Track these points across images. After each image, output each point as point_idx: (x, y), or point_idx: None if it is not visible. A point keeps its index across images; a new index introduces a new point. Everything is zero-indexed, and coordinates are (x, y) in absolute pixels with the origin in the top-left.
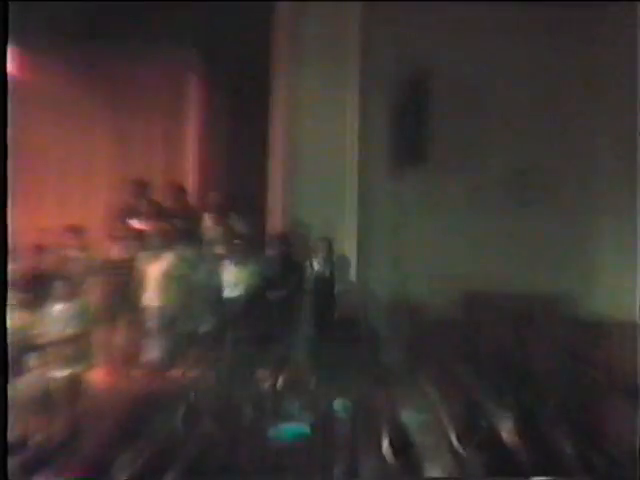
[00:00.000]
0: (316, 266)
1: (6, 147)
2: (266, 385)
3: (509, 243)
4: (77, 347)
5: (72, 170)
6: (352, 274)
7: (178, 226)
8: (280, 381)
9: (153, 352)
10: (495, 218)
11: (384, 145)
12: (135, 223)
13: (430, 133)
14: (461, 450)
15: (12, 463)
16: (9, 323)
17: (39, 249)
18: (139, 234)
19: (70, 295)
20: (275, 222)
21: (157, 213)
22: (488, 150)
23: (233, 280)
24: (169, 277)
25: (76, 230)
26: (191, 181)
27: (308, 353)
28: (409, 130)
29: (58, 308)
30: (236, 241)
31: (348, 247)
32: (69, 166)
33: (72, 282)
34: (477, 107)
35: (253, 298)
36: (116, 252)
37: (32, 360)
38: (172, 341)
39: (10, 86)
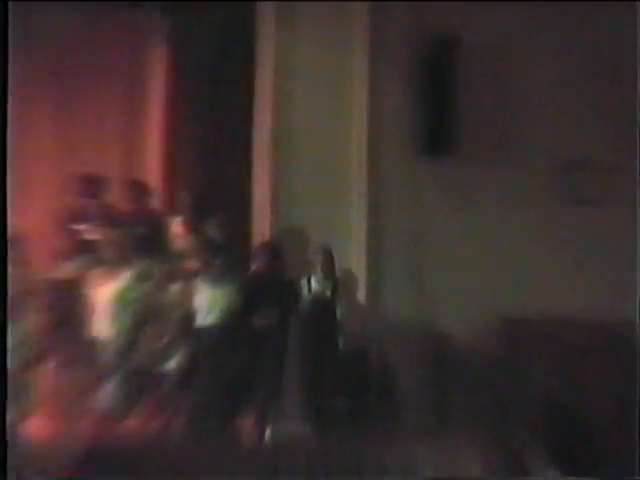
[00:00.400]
0: (314, 285)
1: (6, 147)
2: (250, 441)
3: (557, 254)
4: (10, 388)
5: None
6: (360, 295)
7: (138, 235)
8: (268, 436)
9: (105, 396)
10: (538, 223)
11: (400, 132)
12: (84, 232)
13: (457, 117)
14: None
15: None
16: None
17: None
18: (89, 245)
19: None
20: (261, 229)
21: (111, 218)
22: (529, 139)
23: (208, 303)
24: (126, 300)
25: (11, 242)
26: (155, 178)
27: (304, 398)
28: (431, 113)
29: None
30: (212, 253)
31: (355, 260)
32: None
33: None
34: (516, 86)
35: (233, 326)
36: (60, 268)
37: None
38: (129, 382)
39: None
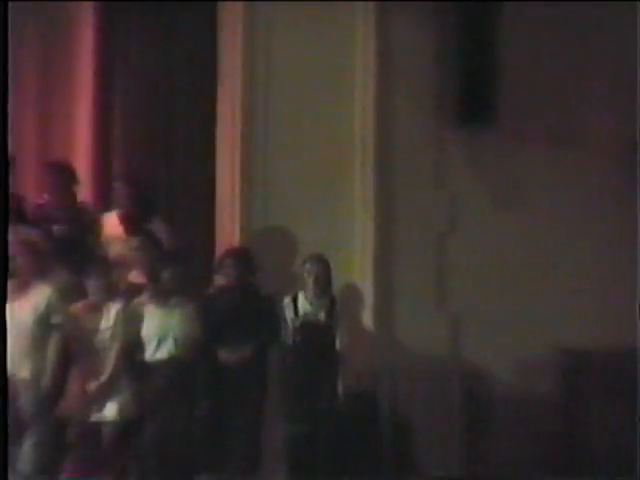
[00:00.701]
0: (302, 304)
1: (6, 146)
2: None
3: (623, 262)
4: None
5: None
6: (366, 318)
7: (60, 236)
8: None
9: (23, 456)
10: (600, 221)
11: (423, 98)
12: None
13: (500, 81)
14: None
15: None
16: None
17: None
18: None
19: None
20: (228, 231)
21: (22, 214)
22: (590, 111)
23: (158, 330)
24: (46, 325)
25: None
26: (85, 163)
27: (291, 459)
28: (465, 75)
29: None
30: (161, 263)
31: (359, 272)
32: None
33: None
34: (571, 44)
35: (194, 362)
36: None
37: None
38: (54, 436)
39: None
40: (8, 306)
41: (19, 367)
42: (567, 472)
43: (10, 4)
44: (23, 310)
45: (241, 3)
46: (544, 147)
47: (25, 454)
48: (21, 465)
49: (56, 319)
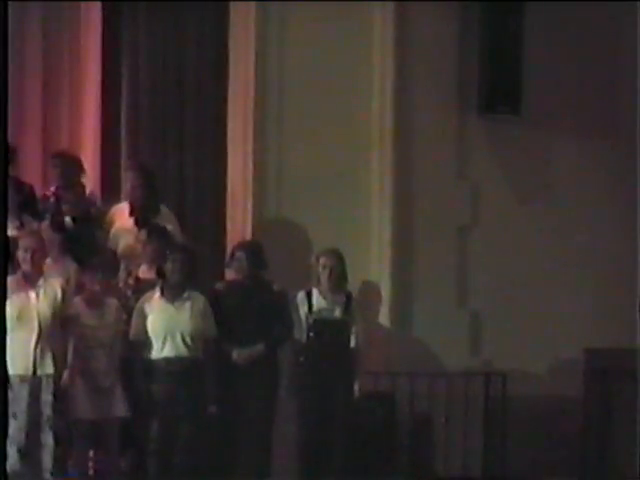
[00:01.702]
0: (317, 301)
1: (6, 147)
2: None
3: None
4: None
5: None
6: (384, 315)
7: (62, 227)
8: None
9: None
10: (630, 211)
11: (444, 87)
12: None
13: (523, 70)
14: None
15: None
16: None
17: None
18: None
19: None
20: (239, 223)
21: (31, 206)
22: (615, 101)
23: (165, 327)
24: (59, 320)
25: None
26: (93, 154)
27: (304, 462)
28: (488, 64)
29: None
30: (169, 256)
31: (377, 268)
32: None
33: None
34: (599, 32)
35: (202, 360)
36: None
37: None
38: (54, 437)
39: None
40: (18, 300)
41: (39, 363)
42: (590, 474)
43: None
44: (19, 306)
45: (253, 2)
46: (568, 137)
47: (44, 452)
48: (40, 463)
49: (54, 315)
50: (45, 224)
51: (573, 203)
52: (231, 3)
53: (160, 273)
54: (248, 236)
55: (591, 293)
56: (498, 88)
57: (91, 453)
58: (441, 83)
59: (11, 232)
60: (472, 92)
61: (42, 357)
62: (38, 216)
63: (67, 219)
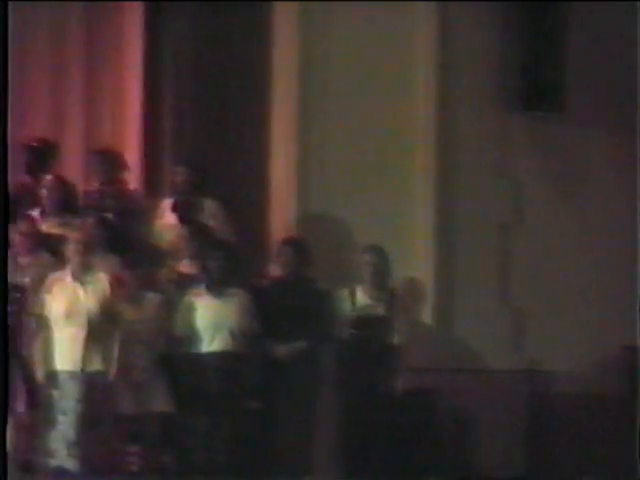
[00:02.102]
0: (360, 298)
1: (6, 147)
2: None
3: None
4: None
5: None
6: (427, 313)
7: (108, 225)
8: None
9: (62, 451)
10: None
11: (486, 85)
12: (28, 220)
13: (565, 68)
14: None
15: None
16: None
17: None
18: (38, 239)
19: None
20: (283, 221)
21: (68, 202)
22: None
23: (211, 323)
24: (106, 316)
25: None
26: (136, 149)
27: (344, 456)
28: (530, 62)
29: None
30: (214, 253)
31: (420, 265)
32: None
33: None
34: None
35: (246, 355)
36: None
37: None
38: (97, 431)
39: None
40: (67, 296)
41: (88, 359)
42: (632, 472)
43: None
44: (66, 301)
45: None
46: (608, 134)
47: (64, 450)
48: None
49: (101, 309)
50: (88, 220)
51: (614, 200)
52: (275, 3)
53: (204, 269)
54: (292, 233)
55: (632, 291)
56: (539, 87)
57: (133, 449)
58: (483, 82)
59: (54, 229)
60: (514, 91)
61: (91, 353)
62: (80, 213)
63: (110, 215)
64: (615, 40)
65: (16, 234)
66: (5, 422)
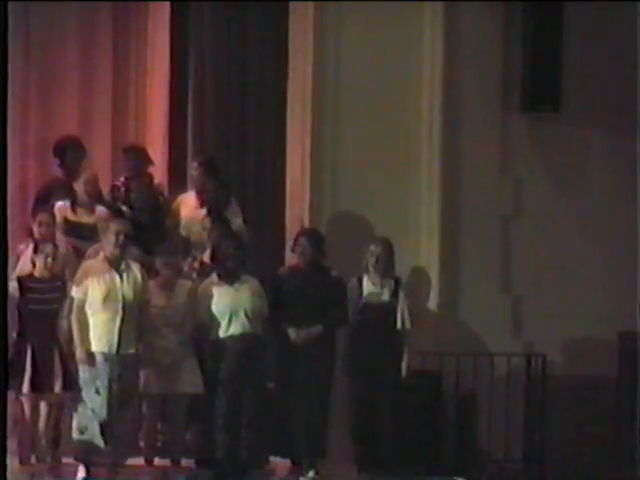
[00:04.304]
0: (368, 286)
1: (6, 147)
2: None
3: None
4: None
5: None
6: (431, 299)
7: (137, 217)
8: None
9: (86, 430)
10: None
11: (488, 85)
12: (63, 211)
13: (565, 67)
14: None
15: None
16: None
17: None
18: (69, 229)
19: None
20: (298, 213)
21: (96, 194)
22: None
23: (230, 308)
24: (118, 302)
25: None
26: (160, 145)
27: (354, 436)
28: (530, 62)
29: None
30: (233, 243)
31: (424, 254)
32: None
33: None
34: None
35: (263, 339)
36: (35, 262)
37: None
38: (124, 409)
39: None
40: (104, 282)
41: (122, 342)
42: (627, 455)
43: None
44: (98, 290)
45: (311, 3)
46: (608, 132)
47: (96, 427)
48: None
49: (128, 296)
50: (119, 212)
51: (609, 195)
52: (290, 3)
53: (222, 258)
54: (306, 225)
55: (626, 278)
56: (539, 87)
57: (160, 427)
58: (486, 82)
59: (88, 220)
60: (515, 91)
61: (125, 337)
62: (110, 206)
63: (136, 208)
64: (615, 40)
65: (52, 225)
66: (5, 422)
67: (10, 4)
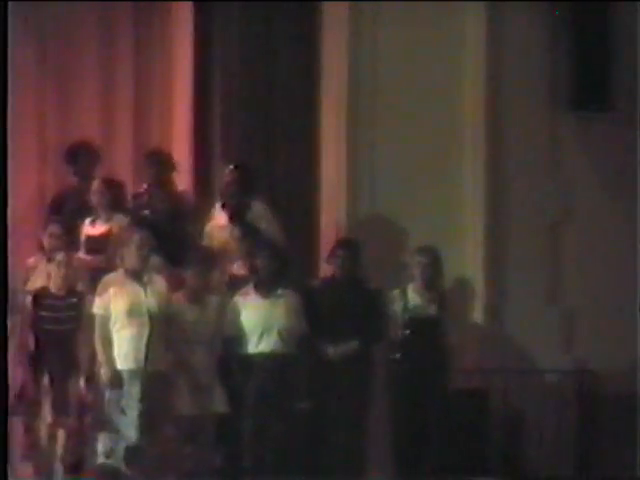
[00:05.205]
0: (412, 298)
1: (6, 146)
2: None
3: None
4: None
5: None
6: (478, 312)
7: (158, 225)
8: None
9: (111, 454)
10: None
11: (535, 85)
12: (78, 221)
13: (613, 67)
14: None
15: None
16: None
17: None
18: (92, 241)
19: None
20: (335, 221)
21: (119, 203)
22: None
23: (261, 323)
24: (143, 316)
25: None
26: (186, 148)
27: (397, 455)
28: (578, 61)
29: None
30: (265, 253)
31: (470, 265)
32: None
33: None
34: None
35: (298, 355)
36: (50, 274)
37: None
38: (151, 431)
39: None
40: (128, 296)
41: (150, 358)
42: None
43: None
44: (120, 304)
45: (346, 2)
46: None
47: (118, 450)
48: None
49: (154, 310)
50: (140, 221)
51: None
52: (324, 3)
53: (252, 269)
54: (342, 234)
55: None
56: (588, 86)
57: (188, 449)
58: (532, 81)
59: (105, 231)
60: (563, 91)
61: (152, 353)
62: (130, 214)
63: (160, 216)
64: None
65: (63, 237)
66: (6, 424)
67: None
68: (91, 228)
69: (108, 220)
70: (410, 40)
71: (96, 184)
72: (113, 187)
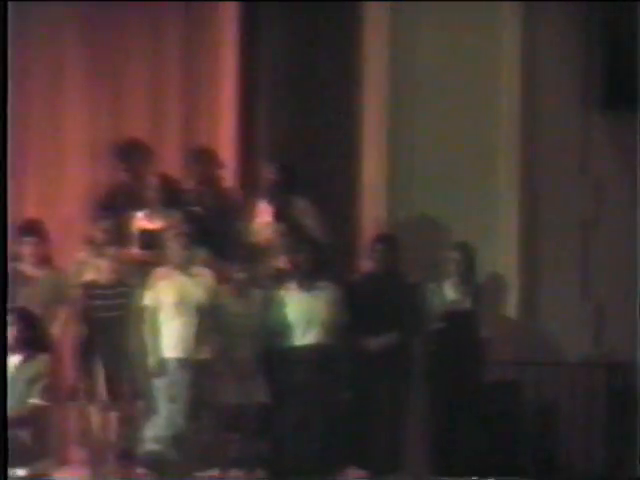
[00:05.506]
0: (448, 292)
1: (6, 145)
2: None
3: None
4: (36, 429)
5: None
6: (511, 307)
7: (209, 221)
8: None
9: (159, 441)
10: None
11: (568, 84)
12: (130, 217)
13: None
14: None
15: None
16: None
17: None
18: (141, 235)
19: (25, 343)
20: (375, 217)
21: (169, 199)
22: None
23: (304, 316)
24: (190, 309)
25: (32, 230)
26: (231, 147)
27: (433, 447)
28: (610, 61)
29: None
30: (307, 248)
31: (504, 260)
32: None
33: (26, 318)
34: None
35: (339, 348)
36: (100, 268)
37: None
38: (194, 421)
39: None
40: (176, 288)
41: (197, 348)
42: None
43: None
44: (170, 297)
45: (387, 3)
46: None
47: (161, 436)
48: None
49: (202, 303)
50: (189, 217)
51: None
52: (366, 3)
53: (295, 264)
54: (383, 230)
55: None
56: (620, 86)
57: (232, 437)
58: (565, 82)
59: (157, 226)
60: (595, 91)
61: (199, 342)
62: (180, 209)
63: (206, 212)
64: None
65: (115, 232)
66: (5, 422)
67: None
68: (146, 223)
69: (163, 216)
70: (448, 41)
71: (153, 180)
72: (169, 183)
